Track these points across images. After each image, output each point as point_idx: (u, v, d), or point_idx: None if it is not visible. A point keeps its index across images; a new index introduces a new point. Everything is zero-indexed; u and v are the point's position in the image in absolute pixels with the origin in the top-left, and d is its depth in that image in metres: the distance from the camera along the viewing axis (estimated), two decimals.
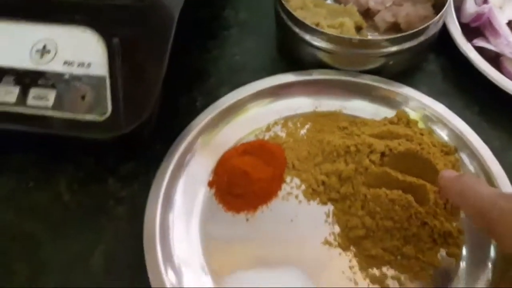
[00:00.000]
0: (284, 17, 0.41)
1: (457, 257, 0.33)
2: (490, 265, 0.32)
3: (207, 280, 0.32)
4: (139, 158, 0.39)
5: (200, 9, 0.44)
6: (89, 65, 0.36)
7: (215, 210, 0.36)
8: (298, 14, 0.41)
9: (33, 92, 0.35)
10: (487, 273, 0.32)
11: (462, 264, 0.33)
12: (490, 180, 0.35)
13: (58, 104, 0.35)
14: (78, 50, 0.36)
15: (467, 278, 0.32)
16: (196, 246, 0.34)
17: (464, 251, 0.33)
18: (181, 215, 0.35)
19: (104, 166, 0.39)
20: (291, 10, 0.40)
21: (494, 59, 0.42)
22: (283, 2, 0.41)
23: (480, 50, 0.42)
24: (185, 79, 0.43)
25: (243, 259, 0.33)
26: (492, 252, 0.33)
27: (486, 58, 0.41)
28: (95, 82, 0.35)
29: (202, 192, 0.37)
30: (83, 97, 0.35)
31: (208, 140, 0.38)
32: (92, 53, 0.36)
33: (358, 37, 0.40)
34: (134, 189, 0.38)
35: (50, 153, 0.39)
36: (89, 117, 0.34)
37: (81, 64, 0.36)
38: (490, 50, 0.42)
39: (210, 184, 0.37)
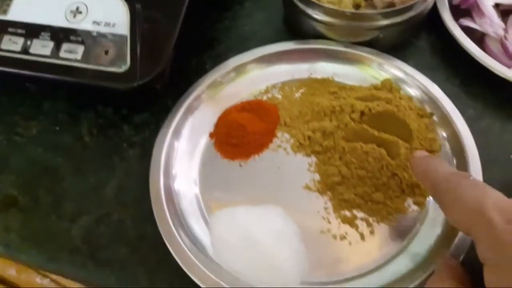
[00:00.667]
0: None
1: (422, 205, 0.37)
2: None
3: (200, 213, 0.38)
4: (152, 110, 0.44)
5: None
6: (113, 25, 0.41)
7: (213, 157, 0.41)
8: None
9: (65, 46, 0.41)
10: (442, 219, 0.36)
11: (426, 212, 0.37)
12: (459, 143, 0.39)
13: (86, 57, 0.41)
14: (105, 12, 0.42)
15: (428, 223, 0.36)
16: (194, 184, 0.39)
17: (429, 201, 0.37)
18: (184, 156, 0.40)
19: (120, 115, 0.44)
20: None
21: (480, 39, 0.45)
22: None
23: (469, 31, 0.45)
24: (198, 44, 0.48)
25: (233, 198, 0.38)
26: None
27: (474, 39, 0.45)
28: (118, 40, 0.41)
29: (203, 141, 0.42)
30: (106, 52, 0.41)
31: (212, 95, 0.44)
32: (117, 15, 0.42)
33: (351, 10, 0.45)
34: (145, 136, 0.43)
35: (76, 102, 0.45)
36: (111, 69, 0.40)
37: (107, 24, 0.42)
38: (478, 31, 0.45)
39: (211, 136, 0.42)
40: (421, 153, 0.34)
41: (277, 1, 0.50)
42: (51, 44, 0.42)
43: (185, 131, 0.42)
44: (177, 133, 0.41)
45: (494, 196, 0.25)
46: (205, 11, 0.50)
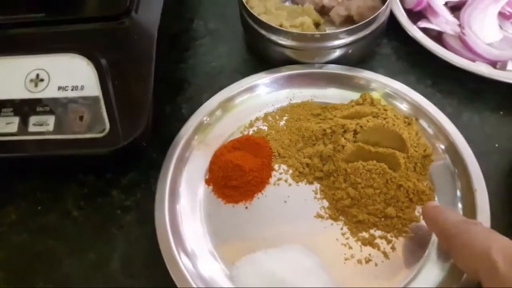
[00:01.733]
0: (251, 22, 0.45)
1: None
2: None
3: (220, 267, 0.36)
4: (138, 168, 0.42)
5: (171, 24, 0.48)
6: (82, 87, 0.39)
7: (216, 204, 0.39)
8: (263, 18, 0.45)
9: (33, 119, 0.38)
10: None
11: None
12: (447, 139, 0.40)
13: (59, 127, 0.38)
14: (70, 75, 0.39)
15: None
16: (205, 239, 0.37)
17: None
18: (187, 213, 0.38)
19: (105, 180, 0.42)
20: (256, 15, 0.44)
21: (437, 37, 0.48)
22: (248, 8, 0.45)
23: (424, 31, 0.48)
24: (167, 89, 0.46)
25: (248, 244, 0.37)
26: (459, 205, 0.38)
27: (430, 37, 0.47)
28: (91, 102, 0.38)
29: (201, 190, 0.40)
30: (81, 118, 0.38)
31: (198, 142, 0.42)
32: (83, 76, 0.39)
33: (319, 32, 0.45)
34: (137, 197, 0.41)
35: (52, 177, 0.42)
36: (90, 135, 0.37)
37: (74, 88, 0.39)
38: (433, 30, 0.48)
39: (207, 182, 0.41)
40: (431, 203, 0.36)
41: (236, 32, 0.49)
42: (16, 120, 0.38)
43: (181, 188, 0.40)
44: (174, 191, 0.39)
45: (500, 242, 0.27)
46: (166, 54, 0.48)
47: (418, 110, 0.42)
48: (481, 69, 0.43)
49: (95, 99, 0.38)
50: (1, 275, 0.37)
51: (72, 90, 0.39)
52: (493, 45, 0.46)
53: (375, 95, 0.44)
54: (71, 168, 0.42)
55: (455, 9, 0.49)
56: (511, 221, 0.38)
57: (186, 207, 0.39)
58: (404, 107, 0.43)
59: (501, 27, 0.47)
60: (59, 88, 0.39)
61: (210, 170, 0.41)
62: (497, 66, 0.45)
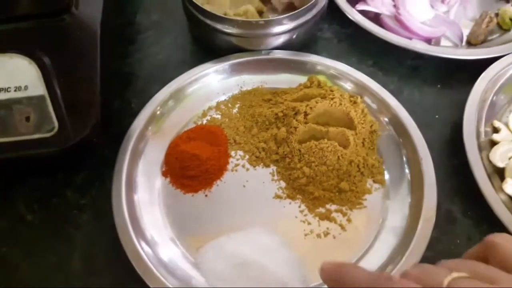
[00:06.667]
0: (195, 12, 0.45)
1: (382, 182, 0.40)
2: (406, 181, 0.40)
3: (183, 255, 0.36)
4: (90, 167, 0.41)
5: (114, 18, 0.47)
6: (26, 87, 0.37)
7: (175, 195, 0.40)
8: (206, 7, 0.45)
9: None
10: (405, 188, 0.40)
11: (388, 187, 0.40)
12: (390, 112, 0.43)
13: (3, 130, 0.36)
14: (11, 75, 0.37)
15: (394, 197, 0.39)
16: (166, 231, 0.37)
17: (386, 177, 0.41)
18: (146, 206, 0.38)
19: (58, 181, 0.41)
20: (200, 5, 0.44)
21: (374, 18, 0.50)
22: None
23: (362, 13, 0.50)
24: (114, 84, 0.46)
25: (211, 231, 0.37)
26: (406, 170, 0.40)
27: (368, 19, 0.49)
28: (36, 102, 0.37)
29: (159, 183, 0.40)
30: (27, 119, 0.37)
31: (151, 136, 0.42)
32: (25, 76, 0.37)
33: (263, 19, 0.46)
34: (92, 195, 0.40)
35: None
36: (38, 135, 0.36)
37: (17, 88, 0.37)
38: (370, 12, 0.50)
39: (165, 174, 0.41)
40: (328, 264, 0.27)
41: (180, 23, 0.49)
42: None
43: (139, 178, 0.40)
44: (130, 184, 0.39)
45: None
46: (111, 48, 0.48)
47: (362, 88, 0.44)
48: (418, 46, 0.46)
49: (40, 98, 0.37)
50: None
51: (15, 91, 0.37)
52: (426, 23, 0.48)
53: (321, 77, 0.45)
54: (20, 171, 0.40)
55: None
56: (453, 185, 0.41)
57: (145, 200, 0.39)
58: (348, 86, 0.45)
59: (432, 6, 0.50)
60: (0, 90, 0.37)
61: (166, 162, 0.41)
62: (432, 43, 0.48)
